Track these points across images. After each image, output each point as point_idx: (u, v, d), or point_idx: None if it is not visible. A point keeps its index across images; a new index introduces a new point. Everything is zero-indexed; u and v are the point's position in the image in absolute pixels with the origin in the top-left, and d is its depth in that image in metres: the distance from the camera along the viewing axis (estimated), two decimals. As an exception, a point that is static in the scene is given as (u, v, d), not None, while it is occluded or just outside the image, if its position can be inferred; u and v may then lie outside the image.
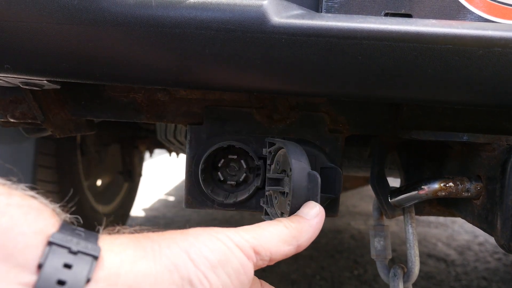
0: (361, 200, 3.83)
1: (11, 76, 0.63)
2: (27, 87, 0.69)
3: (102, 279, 0.38)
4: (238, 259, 0.45)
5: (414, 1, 0.66)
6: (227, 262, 0.44)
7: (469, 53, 0.57)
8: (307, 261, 2.36)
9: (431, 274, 2.27)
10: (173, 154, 2.51)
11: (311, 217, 0.54)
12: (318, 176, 0.58)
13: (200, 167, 0.78)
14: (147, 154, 2.77)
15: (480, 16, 0.65)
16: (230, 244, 0.46)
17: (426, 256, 2.52)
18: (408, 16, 0.66)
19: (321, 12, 0.67)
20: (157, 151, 3.05)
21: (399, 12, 0.66)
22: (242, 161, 0.80)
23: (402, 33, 0.58)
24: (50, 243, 0.37)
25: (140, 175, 2.63)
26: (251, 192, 0.79)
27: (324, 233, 2.87)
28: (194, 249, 0.44)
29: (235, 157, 0.80)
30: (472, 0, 0.65)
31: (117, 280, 0.39)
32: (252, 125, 0.80)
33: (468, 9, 0.65)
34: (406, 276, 0.86)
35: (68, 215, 0.43)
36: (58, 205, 0.43)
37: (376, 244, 0.92)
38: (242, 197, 0.80)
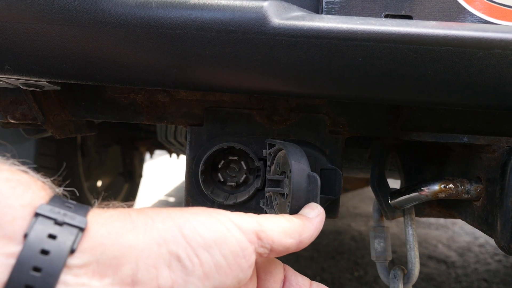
0: (361, 201, 3.82)
1: (12, 77, 0.63)
2: (27, 88, 0.69)
3: (87, 249, 0.38)
4: (237, 241, 0.44)
5: (414, 3, 0.66)
6: (224, 243, 0.43)
7: (469, 55, 0.57)
8: (308, 262, 2.36)
9: (431, 275, 2.27)
10: (174, 155, 2.51)
11: (313, 216, 0.54)
12: (318, 177, 0.58)
13: (200, 168, 0.78)
14: (147, 155, 2.77)
15: (480, 18, 0.65)
16: (230, 225, 0.45)
17: (426, 257, 2.52)
18: (409, 17, 0.66)
19: (322, 13, 0.67)
20: (157, 152, 3.05)
21: (400, 13, 0.66)
22: (242, 163, 0.80)
23: (403, 35, 0.58)
24: (37, 215, 0.38)
25: (140, 176, 2.63)
26: (251, 193, 0.79)
27: (324, 234, 2.87)
28: (189, 225, 0.43)
29: (235, 158, 0.80)
30: (472, 1, 0.65)
31: (102, 251, 0.39)
32: (252, 127, 0.80)
33: (468, 10, 0.65)
34: (406, 277, 0.86)
35: (62, 189, 0.44)
36: (51, 179, 0.44)
37: (376, 245, 0.92)
38: (242, 198, 0.80)
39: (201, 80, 0.62)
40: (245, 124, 0.80)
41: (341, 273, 2.24)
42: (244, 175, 0.80)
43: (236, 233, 0.44)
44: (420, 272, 2.17)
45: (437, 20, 0.65)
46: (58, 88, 0.71)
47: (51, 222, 0.38)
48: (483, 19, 0.65)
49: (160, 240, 0.41)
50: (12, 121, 0.81)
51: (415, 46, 0.57)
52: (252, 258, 0.45)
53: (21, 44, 0.59)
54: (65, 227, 0.39)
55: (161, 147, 2.26)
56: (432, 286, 2.14)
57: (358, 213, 3.44)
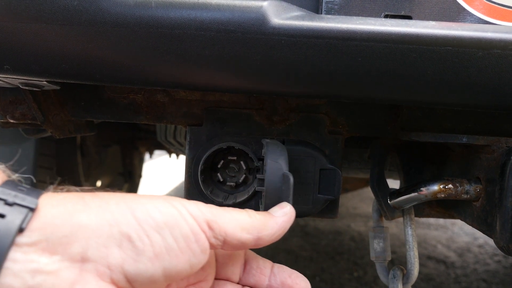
0: (361, 201, 3.83)
1: (11, 76, 0.63)
2: (26, 88, 0.69)
3: (37, 228, 0.40)
4: (189, 226, 0.45)
5: (414, 3, 0.66)
6: (175, 226, 0.44)
7: (469, 55, 0.57)
8: (307, 262, 2.36)
9: (430, 276, 2.27)
10: (173, 155, 2.51)
11: (279, 215, 0.53)
12: (291, 177, 0.58)
13: (199, 168, 0.78)
14: (147, 155, 2.77)
15: (480, 18, 0.65)
16: (183, 211, 0.46)
17: (425, 258, 2.52)
18: (408, 18, 0.66)
19: (321, 13, 0.67)
20: (157, 152, 3.05)
21: (399, 14, 0.66)
22: (241, 162, 0.80)
23: (402, 35, 0.58)
24: None
25: (140, 176, 2.63)
26: (250, 193, 0.79)
27: (324, 234, 2.87)
28: (142, 208, 0.44)
29: (234, 158, 0.80)
30: (471, 2, 0.65)
31: (52, 230, 0.40)
32: (252, 127, 0.80)
33: (467, 11, 0.65)
34: (406, 277, 0.86)
35: (17, 175, 0.45)
36: (5, 165, 0.46)
37: (376, 245, 0.92)
38: (241, 198, 0.79)
39: (200, 80, 0.62)
40: (245, 124, 0.80)
41: (340, 273, 2.24)
42: (244, 175, 0.80)
43: (188, 219, 0.45)
44: (420, 273, 2.17)
45: (436, 20, 0.65)
46: (58, 87, 0.71)
47: (1, 203, 0.40)
48: (482, 20, 0.65)
49: (112, 221, 0.42)
50: (12, 121, 0.80)
51: (415, 46, 0.57)
52: (205, 245, 0.46)
53: (20, 43, 0.59)
54: (15, 207, 0.40)
55: (161, 147, 2.27)
56: (431, 287, 2.14)
57: (358, 214, 3.44)
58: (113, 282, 0.42)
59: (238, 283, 0.56)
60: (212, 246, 0.47)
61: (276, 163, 0.59)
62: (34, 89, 0.70)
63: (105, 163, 2.13)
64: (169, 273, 0.44)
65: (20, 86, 0.69)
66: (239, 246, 0.49)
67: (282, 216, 0.53)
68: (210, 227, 0.47)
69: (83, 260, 0.41)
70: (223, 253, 0.56)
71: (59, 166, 1.61)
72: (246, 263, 0.57)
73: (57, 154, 1.60)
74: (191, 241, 0.45)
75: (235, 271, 0.55)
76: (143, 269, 0.42)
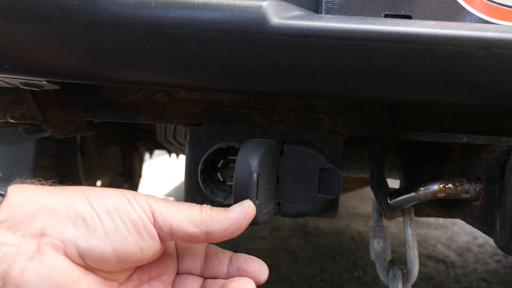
0: (361, 201, 3.83)
1: (11, 76, 0.63)
2: (26, 87, 0.69)
3: (5, 209, 0.47)
4: (137, 213, 0.51)
5: (413, 3, 0.66)
6: (124, 212, 0.50)
7: (469, 55, 0.57)
8: (307, 262, 2.36)
9: (430, 275, 2.27)
10: (173, 155, 2.51)
11: (233, 211, 0.56)
12: (254, 175, 0.60)
13: (199, 167, 0.78)
14: (147, 155, 2.77)
15: (480, 18, 0.65)
16: (133, 200, 0.52)
17: (425, 257, 2.52)
18: (408, 17, 0.66)
19: (321, 13, 0.67)
20: (157, 152, 3.05)
21: (399, 13, 0.66)
22: (241, 162, 0.80)
23: (402, 35, 0.58)
24: None
25: (140, 176, 2.63)
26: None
27: (324, 234, 2.87)
28: (96, 195, 0.51)
29: (234, 158, 0.80)
30: (471, 1, 0.65)
31: (18, 210, 0.47)
32: (252, 126, 0.80)
33: (467, 10, 0.65)
34: (406, 277, 0.86)
35: None
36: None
37: (376, 245, 0.92)
38: (241, 198, 0.79)
39: (200, 80, 0.62)
40: (245, 124, 0.80)
41: (340, 273, 2.24)
42: (244, 175, 0.80)
43: (136, 207, 0.51)
44: (420, 272, 2.17)
45: (436, 20, 0.65)
46: (57, 87, 0.71)
47: None
48: (482, 19, 0.65)
49: (69, 204, 0.50)
50: (12, 121, 0.80)
51: (415, 46, 0.57)
52: (153, 232, 0.51)
53: (20, 43, 0.59)
54: None
55: (161, 147, 2.27)
56: (431, 286, 2.14)
57: (358, 213, 3.44)
58: (66, 255, 0.48)
59: (200, 276, 0.60)
60: (160, 236, 0.52)
61: (245, 161, 0.61)
62: (34, 89, 0.70)
63: (105, 163, 2.13)
64: (119, 253, 0.50)
65: (20, 86, 0.69)
66: (188, 238, 0.53)
67: (236, 213, 0.56)
68: (155, 218, 0.52)
69: (42, 235, 0.48)
70: (183, 247, 0.60)
71: (59, 166, 1.61)
72: (206, 257, 0.60)
73: (57, 154, 1.60)
74: (139, 226, 0.51)
75: (196, 264, 0.60)
76: (94, 245, 0.48)
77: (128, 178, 2.32)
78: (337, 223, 3.11)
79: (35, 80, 0.64)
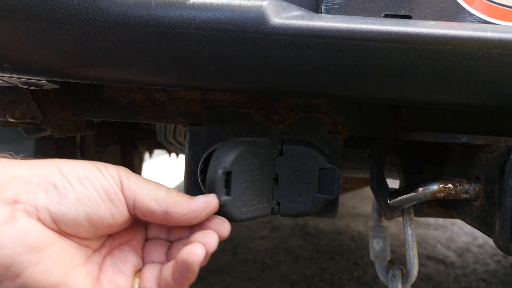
0: (361, 201, 3.83)
1: (11, 76, 0.63)
2: (26, 87, 0.69)
3: None
4: (107, 180, 0.54)
5: (413, 3, 0.66)
6: (95, 179, 0.53)
7: (468, 55, 0.57)
8: (307, 262, 2.36)
9: (430, 275, 2.27)
10: (173, 154, 2.51)
11: (197, 200, 0.58)
12: (220, 173, 0.62)
13: (199, 167, 0.78)
14: (146, 155, 2.77)
15: (480, 18, 0.65)
16: (104, 170, 0.55)
17: (425, 257, 2.52)
18: (408, 17, 0.66)
19: (321, 13, 0.67)
20: (156, 152, 3.05)
21: (399, 13, 0.66)
22: (241, 162, 0.80)
23: (402, 35, 0.58)
24: None
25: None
26: (250, 192, 0.79)
27: (324, 234, 2.87)
28: (67, 165, 0.54)
29: (234, 157, 0.80)
30: (471, 2, 0.65)
31: None
32: (252, 126, 0.80)
33: (467, 10, 0.65)
34: (405, 277, 0.86)
35: None
36: None
37: (375, 245, 0.92)
38: (241, 197, 0.79)
39: (200, 80, 0.62)
40: (245, 124, 0.80)
41: (340, 273, 2.24)
42: (243, 175, 0.80)
43: (106, 175, 0.55)
44: (419, 272, 2.18)
45: (436, 20, 0.65)
46: (57, 87, 0.71)
47: None
48: (482, 19, 0.65)
49: (41, 173, 0.52)
50: (11, 120, 0.80)
51: (414, 46, 0.57)
52: (123, 199, 0.55)
53: (20, 43, 0.59)
54: None
55: (161, 146, 2.26)
56: (431, 286, 2.14)
57: (358, 213, 3.44)
58: (39, 220, 0.50)
59: (167, 240, 0.63)
60: (127, 205, 0.55)
61: (217, 159, 0.64)
62: (34, 88, 0.70)
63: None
64: (91, 218, 0.52)
65: (20, 85, 0.69)
66: (149, 214, 0.56)
67: (198, 202, 0.58)
68: (122, 188, 0.55)
69: (15, 202, 0.50)
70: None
71: (58, 166, 1.61)
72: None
73: (56, 153, 1.60)
74: (110, 192, 0.54)
75: (162, 230, 0.63)
76: (66, 211, 0.51)
77: (128, 177, 2.31)
78: (337, 223, 3.11)
79: (35, 79, 0.64)
